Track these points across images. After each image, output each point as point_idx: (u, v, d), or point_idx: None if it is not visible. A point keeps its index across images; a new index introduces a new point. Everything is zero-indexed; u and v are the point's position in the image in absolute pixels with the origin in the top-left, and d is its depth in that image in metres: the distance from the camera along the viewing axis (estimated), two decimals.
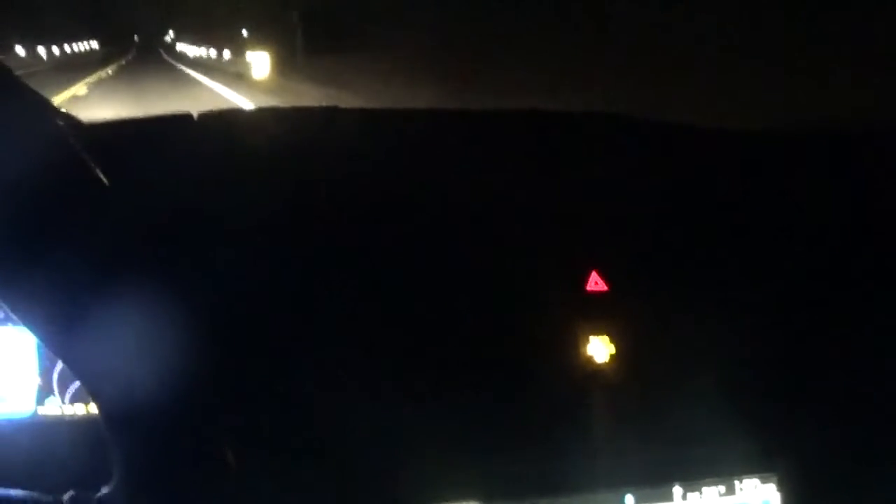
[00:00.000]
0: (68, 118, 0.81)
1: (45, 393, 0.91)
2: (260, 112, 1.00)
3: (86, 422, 0.90)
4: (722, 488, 0.81)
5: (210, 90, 16.92)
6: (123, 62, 37.47)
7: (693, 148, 1.01)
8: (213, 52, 35.63)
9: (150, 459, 0.65)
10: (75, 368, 0.65)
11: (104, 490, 0.64)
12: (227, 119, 0.98)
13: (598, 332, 0.81)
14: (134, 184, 0.76)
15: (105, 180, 0.68)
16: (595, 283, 0.83)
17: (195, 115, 0.92)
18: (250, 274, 0.78)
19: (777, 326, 0.87)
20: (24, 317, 0.63)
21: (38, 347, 0.91)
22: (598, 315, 0.82)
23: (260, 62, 16.93)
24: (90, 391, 0.65)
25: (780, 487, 0.82)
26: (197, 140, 0.90)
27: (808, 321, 0.88)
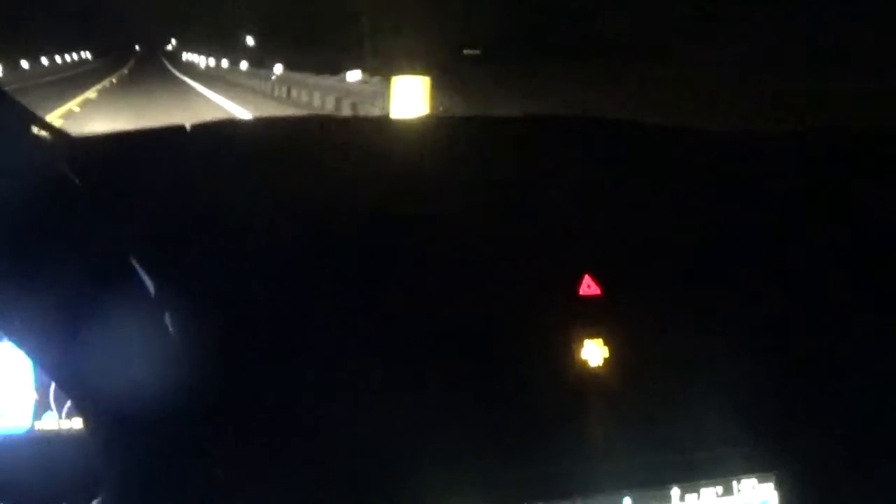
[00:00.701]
0: (59, 133, 0.81)
1: (42, 408, 0.91)
2: (254, 123, 1.00)
3: (83, 436, 0.90)
4: (720, 489, 0.81)
5: None
6: (115, 79, 29.64)
7: (687, 151, 1.01)
8: (244, 65, 26.56)
9: (141, 472, 0.65)
10: (64, 385, 0.65)
11: (94, 503, 0.64)
12: (221, 130, 0.98)
13: (592, 336, 0.81)
14: (126, 198, 0.76)
15: (97, 195, 0.69)
16: (588, 286, 0.83)
17: (188, 126, 0.92)
18: (247, 285, 0.78)
19: (772, 326, 0.87)
20: (11, 332, 0.63)
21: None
22: (592, 318, 0.82)
23: (411, 96, 8.53)
24: (78, 406, 0.65)
25: (778, 487, 0.82)
26: (191, 152, 0.90)
27: (804, 321, 0.88)
